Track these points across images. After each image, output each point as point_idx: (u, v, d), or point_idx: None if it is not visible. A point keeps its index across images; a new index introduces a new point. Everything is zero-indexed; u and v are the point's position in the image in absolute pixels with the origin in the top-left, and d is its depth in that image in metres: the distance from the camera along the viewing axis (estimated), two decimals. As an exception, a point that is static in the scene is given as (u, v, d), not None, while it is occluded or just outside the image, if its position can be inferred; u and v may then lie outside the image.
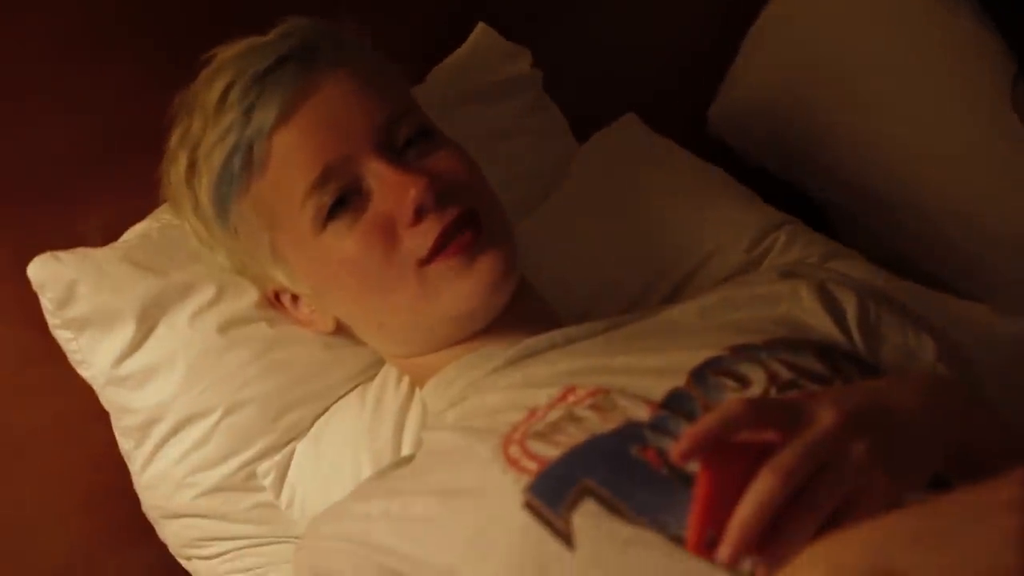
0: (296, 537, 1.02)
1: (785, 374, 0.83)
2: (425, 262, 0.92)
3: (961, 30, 1.42)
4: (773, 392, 0.82)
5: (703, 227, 1.18)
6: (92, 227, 1.08)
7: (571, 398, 0.85)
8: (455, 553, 0.80)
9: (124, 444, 1.06)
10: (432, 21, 1.29)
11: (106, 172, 1.09)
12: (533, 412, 0.85)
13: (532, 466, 0.79)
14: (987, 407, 0.80)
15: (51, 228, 1.06)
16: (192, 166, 0.98)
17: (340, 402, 1.05)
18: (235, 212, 0.97)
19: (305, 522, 1.00)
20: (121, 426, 1.06)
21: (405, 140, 0.95)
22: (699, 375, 0.84)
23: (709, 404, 0.81)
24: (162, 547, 1.10)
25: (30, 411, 1.08)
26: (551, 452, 0.79)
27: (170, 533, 1.08)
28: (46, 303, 1.03)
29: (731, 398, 0.81)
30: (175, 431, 1.03)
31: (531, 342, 0.95)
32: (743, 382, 0.83)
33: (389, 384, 1.05)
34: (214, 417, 1.02)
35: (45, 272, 1.02)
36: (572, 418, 0.83)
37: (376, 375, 1.06)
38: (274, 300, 1.03)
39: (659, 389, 0.83)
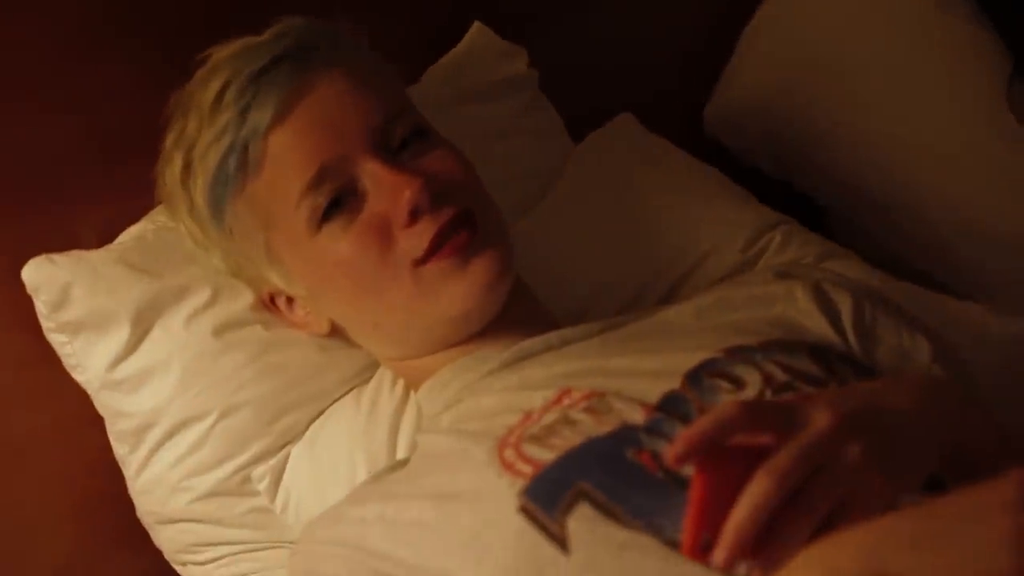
0: (291, 542, 1.02)
1: (780, 376, 0.83)
2: (420, 262, 0.92)
3: (957, 29, 1.42)
4: (768, 394, 0.82)
5: (699, 227, 1.18)
6: (87, 229, 1.08)
7: (566, 401, 0.85)
8: (450, 558, 0.79)
9: (118, 449, 1.06)
10: (428, 20, 1.29)
11: (101, 173, 1.09)
12: (528, 415, 0.85)
13: (527, 469, 0.79)
14: (981, 408, 0.79)
15: (46, 230, 1.06)
16: (187, 167, 0.97)
17: (335, 405, 1.05)
18: (230, 213, 0.97)
19: (300, 526, 1.00)
20: (115, 431, 1.05)
21: (400, 140, 0.95)
22: (694, 377, 0.84)
23: (704, 406, 0.81)
24: (157, 553, 1.10)
25: (24, 416, 1.07)
26: (546, 455, 0.79)
27: (165, 539, 1.08)
28: (40, 306, 1.03)
29: (726, 401, 0.81)
30: (170, 435, 1.03)
31: (526, 344, 0.94)
32: (738, 384, 0.83)
33: (384, 387, 1.05)
34: (209, 421, 1.02)
35: (40, 275, 1.02)
36: (567, 421, 0.82)
37: (371, 378, 1.06)
38: (269, 303, 1.03)
39: (654, 391, 0.83)
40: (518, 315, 0.97)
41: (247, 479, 1.03)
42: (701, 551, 0.65)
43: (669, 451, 0.66)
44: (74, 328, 1.03)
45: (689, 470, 0.67)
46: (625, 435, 0.79)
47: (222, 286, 1.04)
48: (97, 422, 1.06)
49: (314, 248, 0.94)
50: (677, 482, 0.74)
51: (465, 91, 1.21)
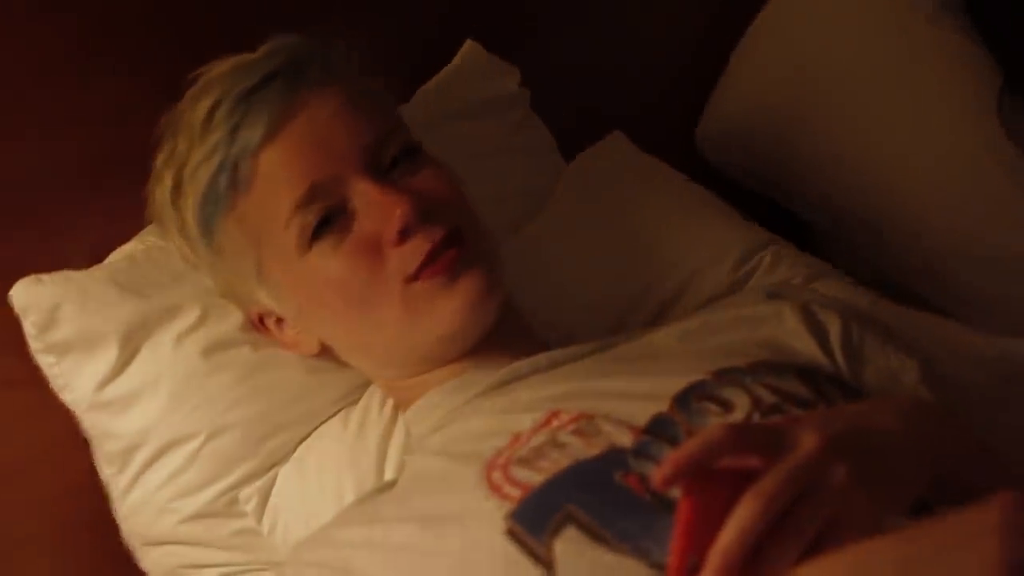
0: (278, 564, 1.01)
1: (768, 398, 0.83)
2: (412, 279, 0.92)
3: (948, 44, 1.42)
4: (756, 417, 0.82)
5: (689, 247, 1.18)
6: (77, 249, 1.07)
7: (555, 423, 0.85)
8: (437, 581, 0.79)
9: (105, 470, 1.05)
10: (420, 39, 1.29)
11: (91, 193, 1.09)
12: (517, 437, 0.85)
13: (515, 492, 0.78)
14: (968, 430, 0.79)
15: (35, 250, 1.06)
16: (178, 186, 0.97)
17: (323, 426, 1.05)
18: (220, 231, 0.97)
19: (287, 548, 1.00)
20: (102, 452, 1.05)
21: (391, 159, 0.95)
22: (682, 400, 0.84)
23: (692, 429, 0.81)
24: (143, 576, 1.09)
25: (11, 437, 1.07)
26: (534, 478, 0.79)
27: (151, 561, 1.07)
28: (28, 327, 1.03)
29: (713, 423, 0.81)
30: (157, 456, 1.02)
31: (516, 366, 0.94)
32: (726, 407, 0.83)
33: (373, 408, 1.05)
34: (197, 442, 1.02)
35: (28, 296, 1.02)
36: (555, 443, 0.82)
37: (360, 398, 1.06)
38: (258, 323, 1.03)
39: (643, 414, 0.83)
40: (508, 335, 0.97)
41: (234, 501, 1.03)
42: (687, 574, 0.65)
43: (656, 474, 0.66)
44: (62, 349, 1.02)
45: (676, 493, 0.67)
46: (613, 458, 0.79)
47: (211, 306, 1.04)
48: (83, 444, 1.06)
49: (304, 266, 0.94)
50: (664, 505, 0.74)
51: (457, 109, 1.22)
